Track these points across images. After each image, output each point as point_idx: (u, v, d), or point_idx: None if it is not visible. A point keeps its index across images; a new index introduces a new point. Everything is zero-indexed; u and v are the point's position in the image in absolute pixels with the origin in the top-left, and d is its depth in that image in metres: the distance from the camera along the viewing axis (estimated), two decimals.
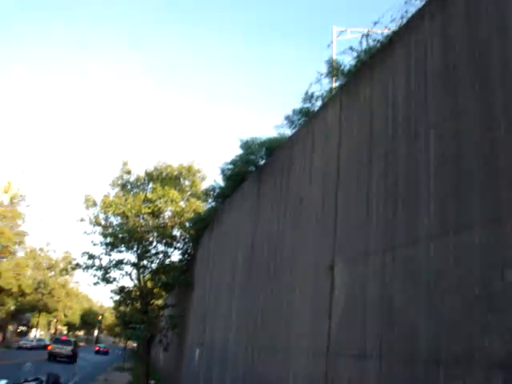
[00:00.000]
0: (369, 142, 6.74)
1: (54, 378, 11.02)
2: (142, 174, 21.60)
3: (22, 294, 50.53)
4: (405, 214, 5.64)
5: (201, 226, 17.57)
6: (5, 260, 45.41)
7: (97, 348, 70.65)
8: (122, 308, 23.92)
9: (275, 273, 9.27)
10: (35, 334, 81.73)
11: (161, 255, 20.60)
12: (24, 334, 76.67)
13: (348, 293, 6.57)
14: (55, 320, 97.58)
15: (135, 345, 67.08)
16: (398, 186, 5.93)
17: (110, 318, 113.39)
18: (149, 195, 20.18)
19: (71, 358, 39.01)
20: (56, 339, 46.37)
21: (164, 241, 20.29)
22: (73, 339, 50.39)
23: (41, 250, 70.85)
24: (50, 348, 42.27)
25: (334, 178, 7.59)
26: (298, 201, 8.84)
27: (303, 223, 8.43)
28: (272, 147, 11.28)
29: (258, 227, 10.94)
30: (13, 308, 62.30)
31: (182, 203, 20.53)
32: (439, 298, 4.85)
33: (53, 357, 39.06)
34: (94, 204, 21.82)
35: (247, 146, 12.25)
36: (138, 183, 21.58)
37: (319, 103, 9.49)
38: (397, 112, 6.17)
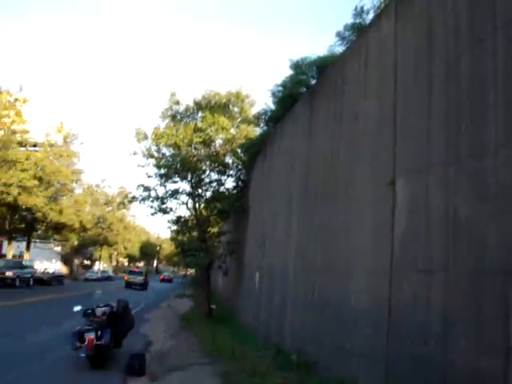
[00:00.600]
0: (428, 52, 6.42)
1: (123, 303, 11.46)
2: (191, 104, 21.51)
3: (84, 229, 52.36)
4: (470, 125, 5.42)
5: (253, 152, 17.53)
6: (64, 198, 46.82)
7: (162, 277, 74.66)
8: (179, 237, 24.47)
9: (332, 193, 9.18)
10: (99, 266, 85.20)
11: (214, 183, 20.77)
12: (88, 267, 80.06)
13: (410, 208, 6.44)
14: (116, 253, 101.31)
15: (194, 272, 69.43)
16: (461, 94, 5.67)
17: (167, 249, 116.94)
18: (199, 124, 20.16)
19: (143, 286, 48.17)
20: (130, 271, 55.54)
21: (217, 169, 20.40)
22: (143, 270, 57.57)
23: (97, 186, 72.71)
24: (126, 278, 51.04)
25: (391, 91, 7.33)
26: (353, 118, 8.63)
27: (359, 140, 8.24)
28: (323, 66, 10.93)
29: (312, 147, 10.79)
30: (76, 243, 64.95)
31: (232, 130, 20.46)
32: (507, 210, 4.70)
33: (128, 285, 48.05)
34: (146, 137, 22.00)
35: (297, 67, 11.91)
36: (188, 113, 21.55)
37: (371, 16, 9.10)
38: (459, 17, 5.84)
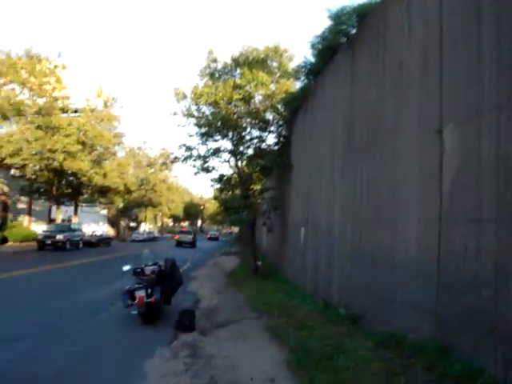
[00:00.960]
0: None
1: (171, 262, 11.60)
2: (229, 61, 21.25)
3: (128, 191, 53.23)
4: None
5: (294, 106, 17.28)
6: (108, 161, 47.50)
7: (209, 235, 76.27)
8: (222, 195, 24.57)
9: (377, 143, 8.95)
10: (144, 227, 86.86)
11: (256, 140, 20.62)
12: (134, 228, 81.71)
13: (459, 155, 6.21)
14: (160, 214, 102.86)
15: (237, 231, 70.21)
16: None
17: (211, 208, 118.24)
18: (238, 81, 19.92)
19: (192, 244, 51.80)
20: (180, 231, 58.84)
21: (257, 126, 20.23)
22: (192, 230, 60.01)
23: (139, 148, 73.59)
24: (177, 237, 54.45)
25: (437, 34, 6.99)
26: (397, 65, 8.31)
27: (404, 88, 7.95)
28: (363, 13, 10.53)
29: (355, 98, 10.51)
30: (121, 205, 66.21)
31: (271, 86, 20.16)
32: None
33: (179, 244, 51.41)
34: (185, 96, 21.90)
35: (337, 16, 11.51)
36: (226, 70, 21.30)
37: None
38: None
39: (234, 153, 20.75)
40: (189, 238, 53.09)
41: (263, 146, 20.74)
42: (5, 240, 38.89)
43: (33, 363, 7.34)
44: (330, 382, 5.91)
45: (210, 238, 74.15)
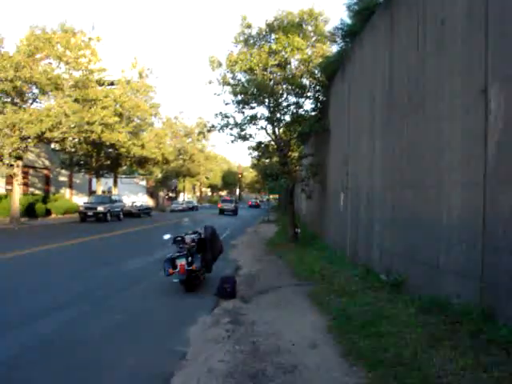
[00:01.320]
0: None
1: (210, 230, 11.66)
2: (263, 26, 20.89)
3: (166, 161, 53.62)
4: None
5: (331, 70, 16.94)
6: (145, 132, 47.88)
7: (249, 202, 77.05)
8: (260, 163, 24.50)
9: (418, 105, 8.68)
10: (183, 197, 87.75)
11: (293, 106, 20.34)
12: (173, 198, 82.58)
13: (506, 116, 5.96)
14: (199, 183, 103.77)
15: (276, 198, 70.45)
16: None
17: (249, 177, 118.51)
18: (273, 47, 19.59)
19: (234, 212, 55.89)
20: (223, 200, 62.47)
21: (294, 91, 19.92)
22: (233, 199, 64.16)
23: (176, 118, 73.88)
24: (220, 206, 58.59)
25: None
26: (438, 23, 7.97)
27: (447, 47, 7.63)
28: None
29: (394, 59, 10.20)
30: (160, 176, 66.88)
31: (307, 50, 19.76)
32: None
33: (222, 212, 55.76)
34: (220, 64, 21.71)
35: None
36: (260, 36, 20.94)
37: None
38: None
39: (270, 120, 20.53)
40: (231, 206, 56.68)
41: (300, 111, 20.46)
42: (48, 212, 39.84)
43: (81, 330, 7.59)
44: (374, 348, 5.85)
45: (251, 206, 74.57)
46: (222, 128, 21.23)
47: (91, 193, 52.43)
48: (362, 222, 12.40)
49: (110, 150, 42.77)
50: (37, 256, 16.46)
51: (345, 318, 7.32)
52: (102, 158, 44.10)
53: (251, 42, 21.22)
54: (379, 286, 9.17)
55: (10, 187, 36.06)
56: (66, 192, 49.85)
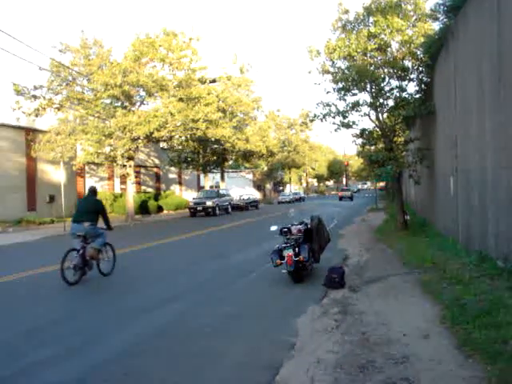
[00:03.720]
0: None
1: (317, 220, 11.58)
2: (361, 10, 20.39)
3: (271, 154, 54.07)
4: None
5: (434, 50, 16.21)
6: (249, 126, 48.55)
7: (340, 194, 72.59)
8: (365, 150, 24.03)
9: None
10: (289, 189, 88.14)
11: (395, 90, 19.72)
12: (280, 190, 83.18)
13: None
14: (304, 174, 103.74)
15: (383, 186, 69.01)
16: None
17: (354, 165, 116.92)
18: (372, 30, 19.07)
19: (350, 198, 68.22)
20: (342, 189, 77.72)
21: (396, 75, 19.30)
22: (350, 188, 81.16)
23: (278, 111, 74.21)
24: (340, 194, 71.91)
25: None
26: None
27: None
28: None
29: (504, 32, 9.55)
30: (265, 168, 67.61)
31: (408, 31, 19.03)
32: None
33: (340, 199, 68.19)
34: (318, 53, 21.46)
35: None
36: (358, 20, 20.44)
37: None
38: None
39: (373, 105, 20.03)
40: (348, 193, 70.33)
41: (404, 95, 19.77)
42: (160, 209, 41.53)
43: (193, 320, 7.87)
44: (491, 339, 5.53)
45: (342, 198, 70.68)
46: (324, 117, 21.00)
47: (200, 188, 54.05)
48: (474, 206, 11.79)
49: (216, 145, 43.84)
50: (151, 250, 17.30)
51: (459, 307, 6.99)
52: (208, 154, 45.31)
53: (349, 27, 20.79)
54: (496, 274, 8.67)
55: (124, 186, 38.03)
56: (175, 188, 51.75)
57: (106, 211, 12.44)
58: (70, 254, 11.03)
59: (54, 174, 34.39)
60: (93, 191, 12.33)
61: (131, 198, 32.32)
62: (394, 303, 8.11)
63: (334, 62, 21.03)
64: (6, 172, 31.32)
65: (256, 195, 61.76)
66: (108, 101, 30.62)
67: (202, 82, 34.28)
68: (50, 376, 5.57)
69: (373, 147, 22.48)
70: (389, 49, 19.59)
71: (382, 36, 19.03)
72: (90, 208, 11.69)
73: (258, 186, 73.54)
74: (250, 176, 71.74)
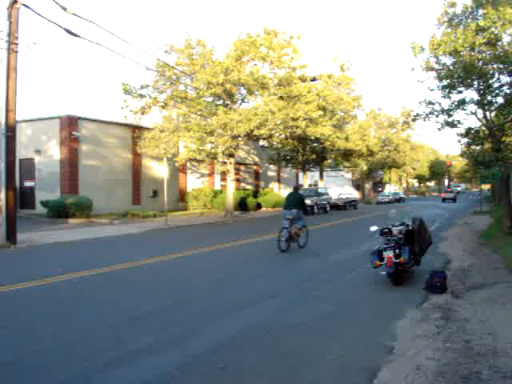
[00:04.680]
0: None
1: (418, 221, 11.21)
2: (469, 3, 19.52)
3: (371, 153, 53.17)
4: None
5: None
6: (349, 125, 48.02)
7: (442, 195, 74.39)
8: (470, 150, 23.03)
9: None
10: (389, 189, 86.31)
11: (506, 87, 18.73)
12: (379, 190, 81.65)
13: None
14: (405, 174, 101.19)
15: (488, 187, 66.00)
16: None
17: (458, 166, 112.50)
18: (480, 23, 18.19)
19: (453, 200, 69.04)
20: (445, 191, 77.64)
21: (507, 70, 18.30)
22: (453, 189, 79.85)
23: (379, 109, 72.86)
24: (443, 195, 73.51)
25: None
26: None
27: None
28: None
29: None
30: (365, 168, 66.55)
31: None
32: None
33: (443, 200, 68.96)
34: (422, 49, 20.82)
35: None
36: (466, 14, 19.61)
37: None
38: None
39: (480, 103, 19.15)
40: (451, 195, 71.05)
41: None
42: (258, 206, 41.98)
43: (290, 317, 7.83)
44: None
45: (445, 200, 69.62)
46: (427, 116, 20.40)
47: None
48: None
49: (315, 144, 43.72)
50: (253, 246, 17.53)
51: None
52: (307, 153, 45.28)
53: (455, 21, 20.00)
54: None
55: (224, 183, 38.83)
56: (274, 186, 52.12)
57: (305, 202, 16.77)
58: (283, 231, 15.68)
59: (157, 170, 35.81)
60: (296, 188, 17.20)
61: (231, 195, 32.88)
62: (501, 312, 7.66)
63: (438, 58, 20.34)
64: (113, 167, 33.08)
65: (354, 195, 60.94)
66: (210, 99, 31.35)
67: (303, 80, 34.18)
68: (152, 362, 5.76)
69: (479, 147, 21.52)
70: (499, 43, 18.65)
71: (493, 29, 18.14)
72: (296, 200, 16.22)
73: (357, 186, 72.49)
74: (349, 175, 70.91)
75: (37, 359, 5.95)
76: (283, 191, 52.49)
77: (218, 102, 31.52)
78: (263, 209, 42.79)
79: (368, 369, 5.53)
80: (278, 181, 53.76)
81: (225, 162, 32.10)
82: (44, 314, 8.19)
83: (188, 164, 39.44)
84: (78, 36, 17.48)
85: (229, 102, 31.18)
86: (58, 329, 7.20)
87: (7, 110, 17.44)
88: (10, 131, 17.58)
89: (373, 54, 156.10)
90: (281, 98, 29.81)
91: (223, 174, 37.69)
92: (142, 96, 30.61)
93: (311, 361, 5.82)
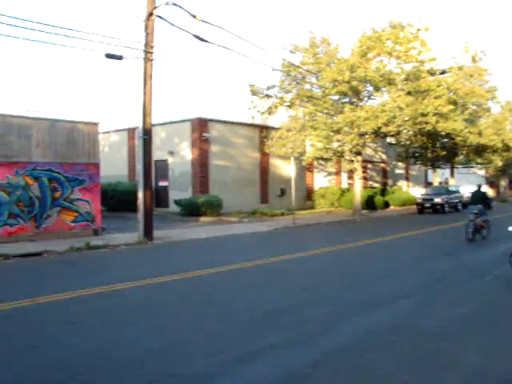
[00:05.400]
0: None
1: None
2: None
3: (507, 148, 50.08)
4: None
5: None
6: (481, 119, 45.63)
7: None
8: None
9: None
10: None
11: None
12: None
13: None
14: None
15: None
16: None
17: None
18: None
19: None
20: None
21: None
22: None
23: None
24: None
25: None
26: None
27: None
28: None
29: None
30: (500, 164, 62.85)
31: None
32: None
33: None
34: None
35: None
36: None
37: None
38: None
39: None
40: None
41: None
42: (386, 204, 41.18)
43: (424, 319, 7.63)
44: None
45: None
46: None
47: (427, 184, 52.42)
48: None
49: (445, 139, 42.02)
50: (378, 245, 17.28)
51: None
52: (437, 149, 43.65)
53: None
54: None
55: (351, 181, 38.54)
56: (402, 184, 50.87)
57: (489, 198, 18.65)
58: (469, 224, 17.78)
59: (284, 169, 36.29)
60: (480, 186, 19.53)
61: (358, 193, 32.53)
62: None
63: None
64: (242, 167, 34.06)
65: (489, 193, 57.77)
66: (336, 97, 31.21)
67: (432, 73, 32.96)
68: (283, 359, 5.86)
69: None
70: None
71: None
72: (480, 197, 18.79)
73: (491, 183, 68.70)
74: (482, 172, 67.38)
75: (176, 348, 6.32)
76: (411, 189, 51.03)
77: (344, 100, 31.29)
78: (391, 207, 41.89)
79: (510, 381, 5.24)
80: (406, 179, 52.36)
81: (352, 160, 31.82)
82: (181, 307, 8.68)
83: (315, 163, 39.57)
84: (207, 41, 18.20)
85: (355, 100, 30.86)
86: (194, 322, 7.59)
87: (144, 115, 18.57)
88: (147, 134, 18.69)
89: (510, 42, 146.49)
90: (409, 93, 29.00)
91: (350, 173, 37.39)
92: (268, 96, 31.16)
93: (446, 366, 5.60)
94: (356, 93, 30.49)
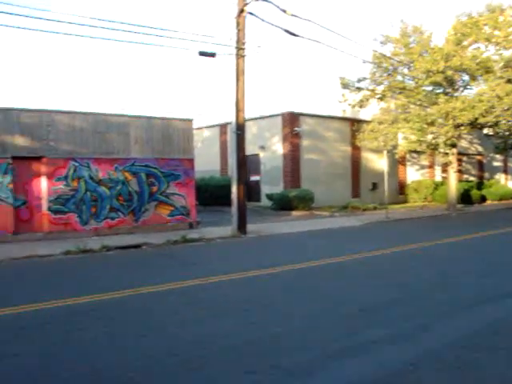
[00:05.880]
0: None
1: None
2: None
3: None
4: None
5: None
6: None
7: None
8: None
9: None
10: None
11: None
12: None
13: None
14: None
15: None
16: None
17: None
18: None
19: None
20: None
21: None
22: None
23: None
24: None
25: None
26: None
27: None
28: None
29: None
30: None
31: None
32: None
33: None
34: None
35: None
36: None
37: None
38: None
39: None
40: None
41: None
42: (483, 199, 39.61)
43: None
44: None
45: None
46: None
47: None
48: None
49: None
50: (474, 241, 16.78)
51: None
52: None
53: None
54: None
55: (445, 175, 37.37)
56: (500, 177, 48.73)
57: None
58: None
59: (376, 162, 35.74)
60: None
61: (453, 187, 31.49)
62: None
63: None
64: (333, 160, 33.90)
65: None
66: (429, 88, 30.35)
67: None
68: (384, 355, 5.79)
69: None
70: None
71: None
72: None
73: None
74: None
75: (274, 341, 6.40)
76: (510, 183, 48.75)
77: (438, 91, 30.37)
78: (488, 201, 40.21)
79: None
80: (505, 171, 50.01)
81: (446, 153, 30.84)
82: (281, 299, 8.79)
83: (407, 156, 38.71)
84: (297, 35, 18.27)
85: (450, 90, 29.86)
86: (293, 315, 7.66)
87: (237, 110, 18.93)
88: (240, 129, 19.05)
89: None
90: (508, 81, 27.69)
91: (444, 166, 36.24)
92: (359, 89, 30.80)
93: None
94: (451, 83, 29.51)
